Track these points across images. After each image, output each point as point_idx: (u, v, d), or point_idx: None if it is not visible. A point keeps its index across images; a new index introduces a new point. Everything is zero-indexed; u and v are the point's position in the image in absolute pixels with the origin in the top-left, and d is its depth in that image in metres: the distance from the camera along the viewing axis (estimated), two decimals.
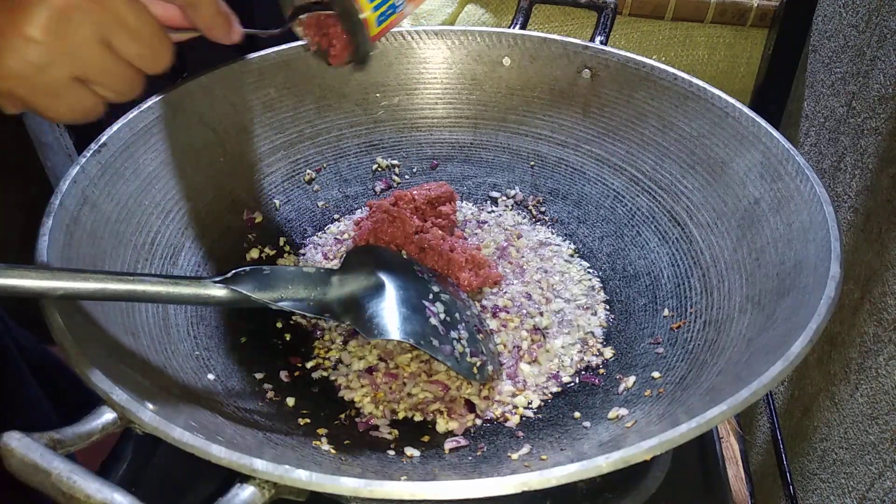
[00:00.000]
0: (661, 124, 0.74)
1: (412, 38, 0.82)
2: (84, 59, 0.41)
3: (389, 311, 0.60)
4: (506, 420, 0.58)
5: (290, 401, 0.59)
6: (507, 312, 0.67)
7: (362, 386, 0.60)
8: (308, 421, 0.57)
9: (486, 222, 0.78)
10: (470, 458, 0.54)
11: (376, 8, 0.58)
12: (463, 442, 0.56)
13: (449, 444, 0.56)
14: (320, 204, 0.79)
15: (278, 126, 0.79)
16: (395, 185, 0.82)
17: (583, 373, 0.62)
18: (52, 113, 0.42)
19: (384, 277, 0.62)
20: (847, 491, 0.68)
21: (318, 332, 0.66)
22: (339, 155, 0.82)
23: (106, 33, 0.41)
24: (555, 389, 0.61)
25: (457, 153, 0.85)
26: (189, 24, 0.49)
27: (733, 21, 1.10)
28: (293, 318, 0.67)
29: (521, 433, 0.57)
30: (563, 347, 0.64)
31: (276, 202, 0.77)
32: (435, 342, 0.59)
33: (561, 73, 0.81)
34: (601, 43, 0.81)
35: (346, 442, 0.55)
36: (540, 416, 0.59)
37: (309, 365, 0.63)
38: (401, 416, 0.58)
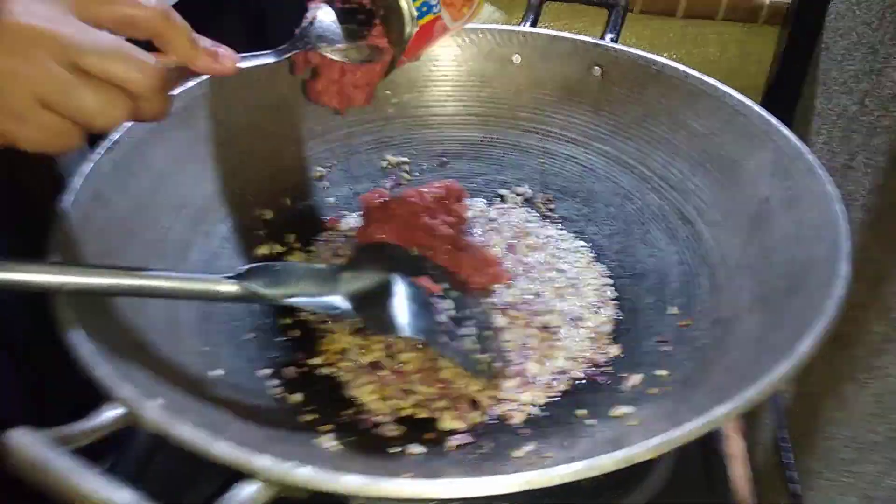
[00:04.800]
0: (671, 122, 0.74)
1: None
2: (44, 79, 0.40)
3: (398, 308, 0.60)
4: (511, 418, 0.58)
5: (296, 397, 0.59)
6: (516, 310, 0.67)
7: (368, 383, 0.61)
8: (313, 417, 0.57)
9: (494, 219, 0.78)
10: (474, 455, 0.54)
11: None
12: (468, 439, 0.56)
13: (453, 442, 0.56)
14: (330, 201, 0.79)
15: (289, 123, 0.79)
16: (404, 182, 0.82)
17: (589, 370, 0.62)
18: (23, 139, 0.42)
19: (393, 274, 0.63)
20: (852, 490, 0.68)
21: (326, 329, 0.66)
22: (350, 152, 0.83)
23: (68, 53, 0.40)
24: (560, 387, 0.61)
25: (466, 150, 0.85)
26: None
27: (745, 18, 1.09)
28: (301, 314, 0.67)
29: (525, 431, 0.57)
30: (569, 345, 0.64)
31: (286, 199, 0.77)
32: (443, 339, 0.59)
33: (571, 70, 0.80)
34: (612, 40, 0.81)
35: (350, 439, 0.55)
36: (545, 413, 0.59)
37: (315, 362, 0.63)
38: (406, 413, 0.59)
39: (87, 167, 0.59)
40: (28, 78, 0.40)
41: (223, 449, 0.39)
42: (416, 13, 0.58)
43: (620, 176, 0.78)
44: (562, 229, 0.77)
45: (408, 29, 0.58)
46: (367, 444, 0.55)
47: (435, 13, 0.59)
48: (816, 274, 0.53)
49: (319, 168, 0.81)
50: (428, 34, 0.60)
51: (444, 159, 0.84)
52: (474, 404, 0.59)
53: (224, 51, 0.50)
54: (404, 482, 0.39)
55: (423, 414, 0.58)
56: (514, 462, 0.52)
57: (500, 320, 0.66)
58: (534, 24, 0.88)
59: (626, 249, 0.73)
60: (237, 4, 0.93)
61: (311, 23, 0.59)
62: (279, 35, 0.60)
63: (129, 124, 0.64)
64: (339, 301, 0.58)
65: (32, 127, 0.41)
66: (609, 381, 0.61)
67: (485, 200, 0.81)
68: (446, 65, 0.83)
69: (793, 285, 0.55)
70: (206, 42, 0.48)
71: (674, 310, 0.65)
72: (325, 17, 0.60)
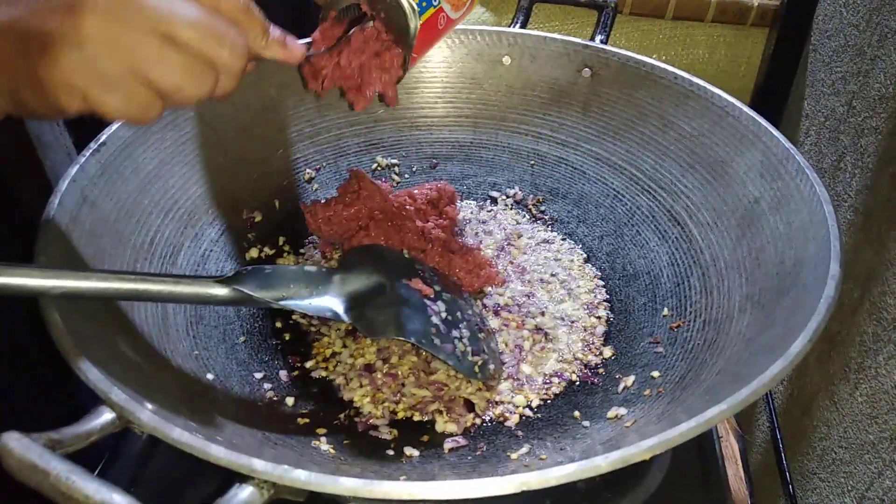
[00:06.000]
0: (661, 123, 0.74)
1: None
2: (138, 50, 0.41)
3: (391, 310, 0.60)
4: (505, 420, 0.58)
5: (290, 400, 0.59)
6: (509, 312, 0.67)
7: (361, 386, 0.60)
8: (307, 421, 0.57)
9: (486, 222, 0.77)
10: (469, 457, 0.54)
11: None
12: (462, 442, 0.56)
13: (448, 444, 0.56)
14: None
15: (278, 125, 0.78)
16: (394, 184, 0.82)
17: (582, 372, 0.62)
18: (109, 107, 0.42)
19: (385, 276, 0.62)
20: (846, 490, 0.68)
21: (318, 332, 0.66)
22: (339, 154, 0.82)
23: (161, 24, 0.41)
24: (554, 389, 0.61)
25: (457, 152, 0.85)
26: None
27: (734, 20, 1.10)
28: (293, 317, 0.67)
29: (520, 433, 0.57)
30: (563, 347, 0.64)
31: (276, 202, 0.77)
32: (436, 341, 0.59)
33: (561, 72, 0.80)
34: (601, 42, 0.81)
35: (345, 442, 0.55)
36: (539, 415, 0.59)
37: (308, 365, 0.63)
38: (400, 415, 0.58)
39: (73, 169, 0.59)
40: (126, 47, 0.41)
41: (221, 452, 0.39)
42: (416, 7, 0.57)
43: (610, 177, 0.78)
44: (553, 231, 0.77)
45: (412, 24, 0.58)
46: (363, 447, 0.55)
47: (436, 6, 0.59)
48: (807, 274, 0.53)
49: (309, 170, 0.80)
50: (433, 29, 0.60)
51: (435, 161, 0.84)
52: (469, 407, 0.59)
53: (291, 40, 0.50)
54: (400, 485, 0.39)
55: (417, 416, 0.58)
56: (510, 464, 0.52)
57: (492, 322, 0.66)
58: (524, 26, 0.88)
59: (618, 251, 0.73)
60: None
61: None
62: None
63: (115, 125, 0.64)
64: (331, 303, 0.58)
65: (120, 96, 0.42)
66: (603, 383, 0.61)
67: (476, 202, 0.81)
68: (436, 66, 0.83)
69: (784, 286, 0.55)
70: (276, 32, 0.49)
71: (665, 311, 0.65)
72: None
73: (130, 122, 0.44)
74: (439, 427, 0.57)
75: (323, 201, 0.72)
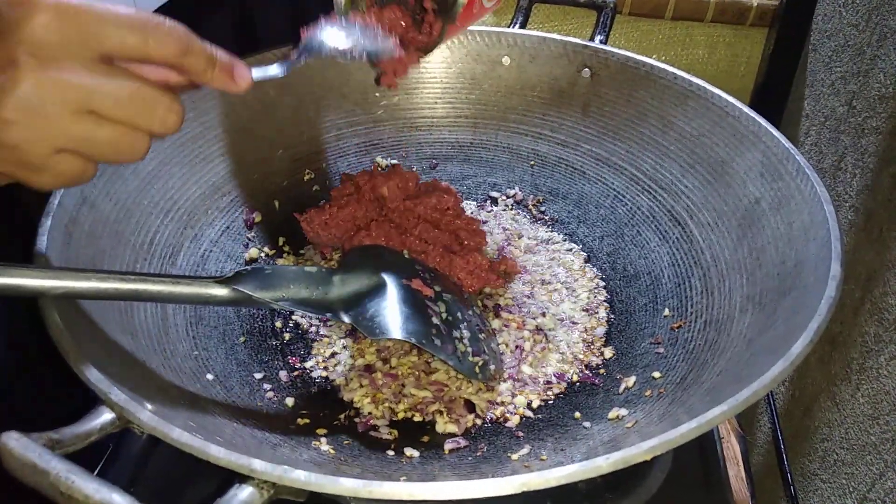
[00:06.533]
0: (661, 124, 0.74)
1: None
2: (62, 132, 0.40)
3: (391, 311, 0.59)
4: (506, 420, 0.58)
5: (290, 401, 0.59)
6: (510, 312, 0.67)
7: (362, 386, 0.60)
8: (307, 421, 0.57)
9: (486, 222, 0.77)
10: (470, 458, 0.54)
11: None
12: (463, 442, 0.56)
13: (449, 445, 0.55)
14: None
15: (277, 126, 0.78)
16: None
17: (583, 373, 0.62)
18: (38, 184, 0.41)
19: (385, 276, 0.62)
20: (848, 491, 0.68)
21: (318, 332, 0.66)
22: (339, 154, 0.82)
23: (84, 103, 0.40)
24: (555, 390, 0.61)
25: (456, 153, 0.84)
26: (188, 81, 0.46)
27: (733, 20, 1.10)
28: (292, 317, 0.67)
29: (521, 433, 0.57)
30: (564, 347, 0.64)
31: (276, 202, 0.77)
32: (437, 341, 0.59)
33: (560, 72, 0.80)
34: (601, 42, 0.81)
35: (345, 442, 0.55)
36: (540, 416, 0.59)
37: (308, 365, 0.63)
38: (400, 416, 0.58)
39: None
40: (46, 135, 0.39)
41: (221, 452, 0.39)
42: None
43: (611, 177, 0.78)
44: (553, 231, 0.77)
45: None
46: (363, 447, 0.55)
47: None
48: (808, 275, 0.53)
49: (309, 171, 0.80)
50: (469, 12, 0.61)
51: (435, 162, 0.84)
52: (469, 407, 0.59)
53: (240, 68, 0.48)
54: (400, 485, 0.39)
55: (418, 417, 0.58)
56: (511, 464, 0.52)
57: (493, 323, 0.66)
58: (523, 26, 0.88)
59: (618, 251, 0.73)
60: (226, 3, 0.92)
61: (311, 36, 0.59)
62: (267, 33, 0.59)
63: None
64: (330, 304, 0.58)
65: (48, 174, 0.41)
66: (604, 384, 0.61)
67: (476, 203, 0.80)
68: (436, 67, 0.83)
69: (785, 286, 0.55)
70: (223, 59, 0.46)
71: (666, 311, 0.65)
72: (320, 30, 0.60)
73: (68, 187, 0.43)
74: (440, 428, 0.57)
75: (321, 203, 0.72)
